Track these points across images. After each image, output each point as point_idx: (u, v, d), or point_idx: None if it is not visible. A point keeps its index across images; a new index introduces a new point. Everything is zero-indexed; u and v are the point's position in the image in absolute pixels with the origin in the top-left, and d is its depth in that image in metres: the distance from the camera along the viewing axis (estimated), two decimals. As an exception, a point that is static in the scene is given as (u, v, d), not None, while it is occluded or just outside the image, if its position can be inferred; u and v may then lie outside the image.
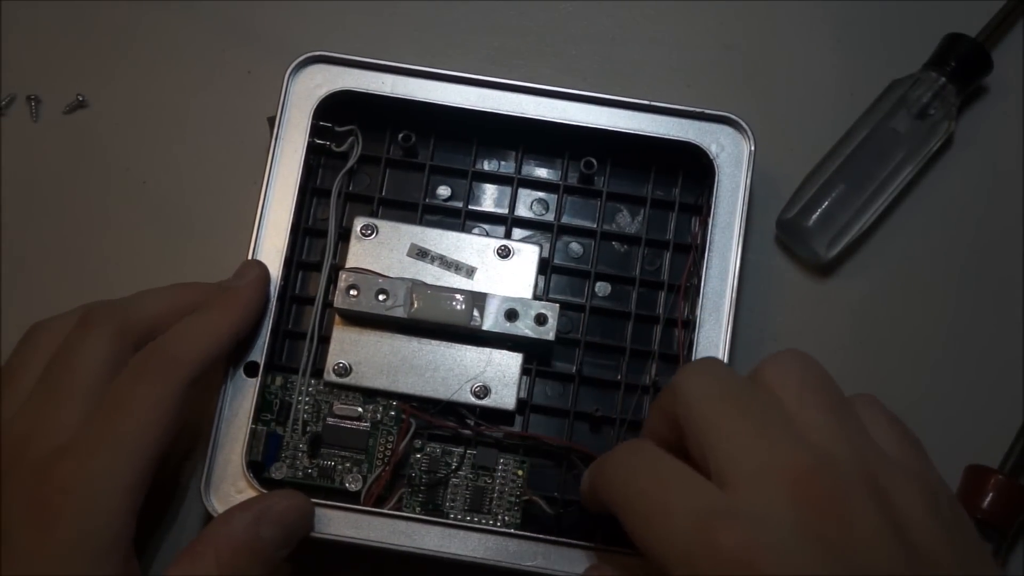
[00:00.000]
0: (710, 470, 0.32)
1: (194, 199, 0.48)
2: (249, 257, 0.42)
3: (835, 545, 0.29)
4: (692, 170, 0.45)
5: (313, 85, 0.44)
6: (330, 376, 0.43)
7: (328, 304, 0.43)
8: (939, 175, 0.49)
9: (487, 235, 0.45)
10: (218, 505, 0.40)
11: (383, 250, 0.44)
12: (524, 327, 0.42)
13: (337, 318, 0.43)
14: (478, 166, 0.46)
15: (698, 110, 0.44)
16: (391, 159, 0.46)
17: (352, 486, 0.42)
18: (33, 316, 0.41)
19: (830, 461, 0.30)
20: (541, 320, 0.42)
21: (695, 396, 0.33)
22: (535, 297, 0.43)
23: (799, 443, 0.31)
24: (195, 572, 0.36)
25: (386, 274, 0.43)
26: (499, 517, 0.42)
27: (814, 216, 0.46)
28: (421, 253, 0.44)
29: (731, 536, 0.29)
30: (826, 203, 0.46)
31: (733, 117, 0.44)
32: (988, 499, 0.43)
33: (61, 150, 0.49)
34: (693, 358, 0.42)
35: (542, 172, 0.47)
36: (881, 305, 0.47)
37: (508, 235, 0.45)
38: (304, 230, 0.45)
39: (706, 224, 0.43)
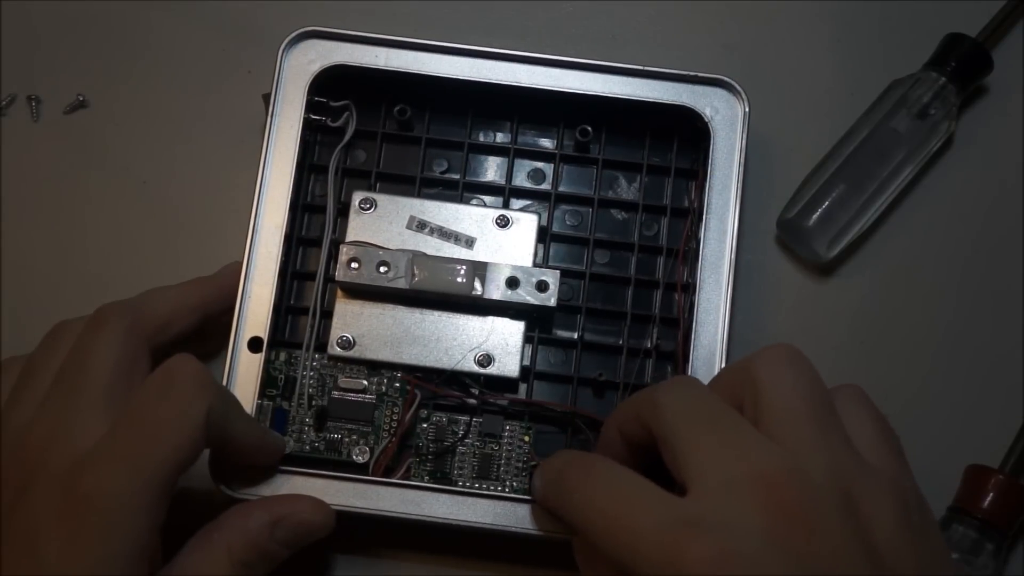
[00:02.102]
0: (684, 483, 0.32)
1: (194, 199, 0.48)
2: (248, 235, 0.42)
3: (802, 555, 0.29)
4: (687, 134, 0.45)
5: (307, 61, 0.44)
6: (334, 350, 0.43)
7: (330, 278, 0.43)
8: (939, 175, 0.49)
9: (485, 206, 0.45)
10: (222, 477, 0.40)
11: (382, 223, 0.44)
12: (526, 294, 0.42)
13: (339, 292, 0.43)
14: (474, 138, 0.46)
15: (691, 73, 0.44)
16: (387, 133, 0.46)
17: (359, 458, 0.42)
18: (33, 316, 0.41)
19: (802, 470, 0.31)
20: (542, 287, 0.42)
21: (672, 413, 0.34)
22: (535, 265, 0.44)
23: (771, 453, 0.31)
24: (208, 561, 0.37)
25: (386, 246, 0.43)
26: (507, 483, 0.42)
27: (814, 216, 0.45)
28: (420, 225, 0.44)
29: (698, 546, 0.29)
30: (826, 203, 0.45)
31: (726, 79, 0.44)
32: (988, 499, 0.43)
33: (61, 150, 0.48)
34: (695, 321, 0.42)
35: (538, 142, 0.47)
36: (881, 305, 0.47)
37: (506, 205, 0.46)
38: (303, 206, 0.45)
39: (703, 187, 0.44)
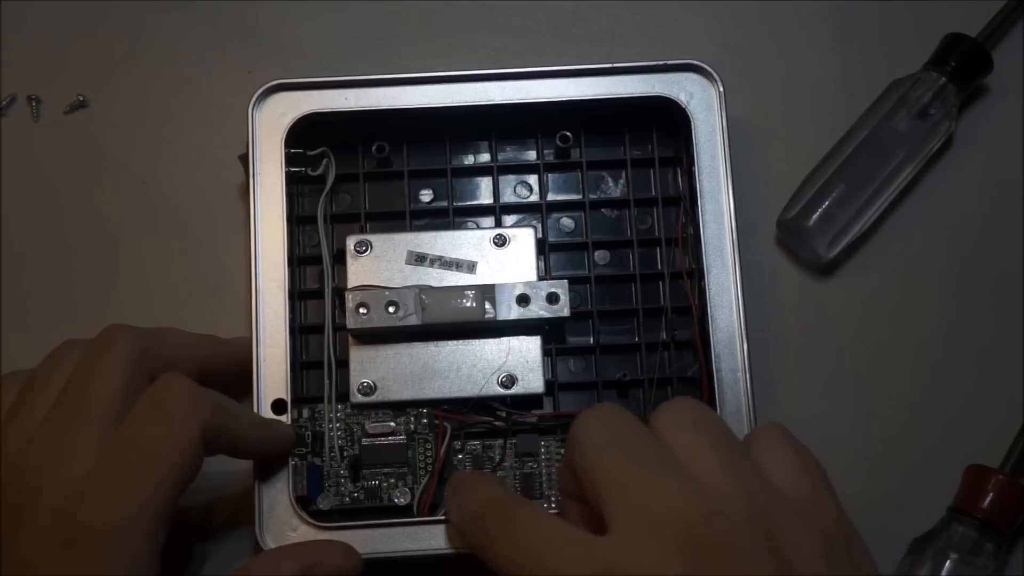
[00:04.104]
0: (603, 516, 0.31)
1: (194, 199, 0.48)
2: (252, 298, 0.42)
3: None
4: (666, 123, 0.45)
5: (277, 114, 0.44)
6: (356, 397, 0.42)
7: (339, 327, 0.43)
8: (939, 175, 0.48)
9: (479, 228, 0.45)
10: (274, 545, 0.40)
11: (381, 263, 0.43)
12: (538, 308, 0.42)
13: (351, 339, 0.43)
14: (455, 162, 0.46)
15: (660, 63, 0.44)
16: (368, 172, 0.46)
17: (401, 500, 0.42)
18: (33, 317, 0.41)
19: (719, 508, 0.30)
20: (553, 299, 0.42)
21: (588, 443, 0.33)
22: (539, 278, 0.43)
23: (690, 491, 0.31)
24: None
25: (390, 285, 0.43)
26: (552, 499, 0.42)
27: (814, 216, 0.45)
28: (419, 258, 0.44)
29: None
30: (826, 203, 0.45)
31: (696, 63, 0.44)
32: (988, 499, 0.42)
33: (61, 150, 0.48)
34: (709, 305, 0.42)
35: (519, 155, 0.47)
36: (882, 305, 0.47)
37: (499, 223, 0.45)
38: (299, 259, 0.45)
39: (690, 172, 0.44)
